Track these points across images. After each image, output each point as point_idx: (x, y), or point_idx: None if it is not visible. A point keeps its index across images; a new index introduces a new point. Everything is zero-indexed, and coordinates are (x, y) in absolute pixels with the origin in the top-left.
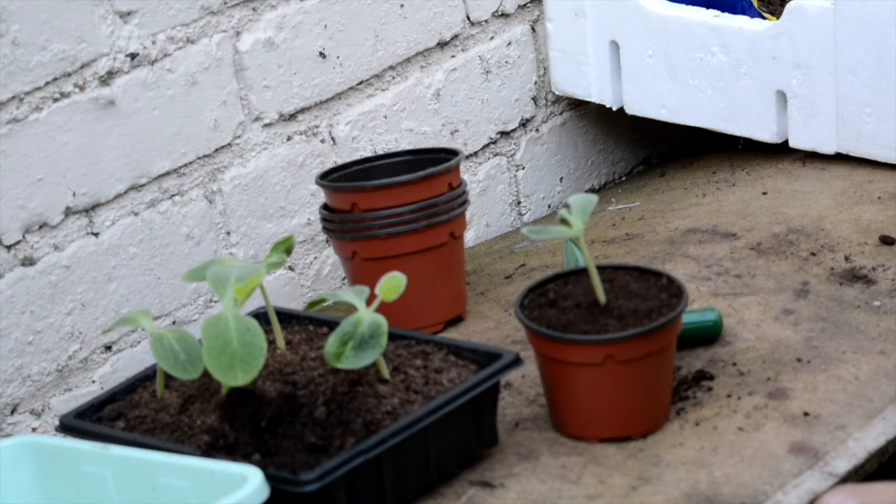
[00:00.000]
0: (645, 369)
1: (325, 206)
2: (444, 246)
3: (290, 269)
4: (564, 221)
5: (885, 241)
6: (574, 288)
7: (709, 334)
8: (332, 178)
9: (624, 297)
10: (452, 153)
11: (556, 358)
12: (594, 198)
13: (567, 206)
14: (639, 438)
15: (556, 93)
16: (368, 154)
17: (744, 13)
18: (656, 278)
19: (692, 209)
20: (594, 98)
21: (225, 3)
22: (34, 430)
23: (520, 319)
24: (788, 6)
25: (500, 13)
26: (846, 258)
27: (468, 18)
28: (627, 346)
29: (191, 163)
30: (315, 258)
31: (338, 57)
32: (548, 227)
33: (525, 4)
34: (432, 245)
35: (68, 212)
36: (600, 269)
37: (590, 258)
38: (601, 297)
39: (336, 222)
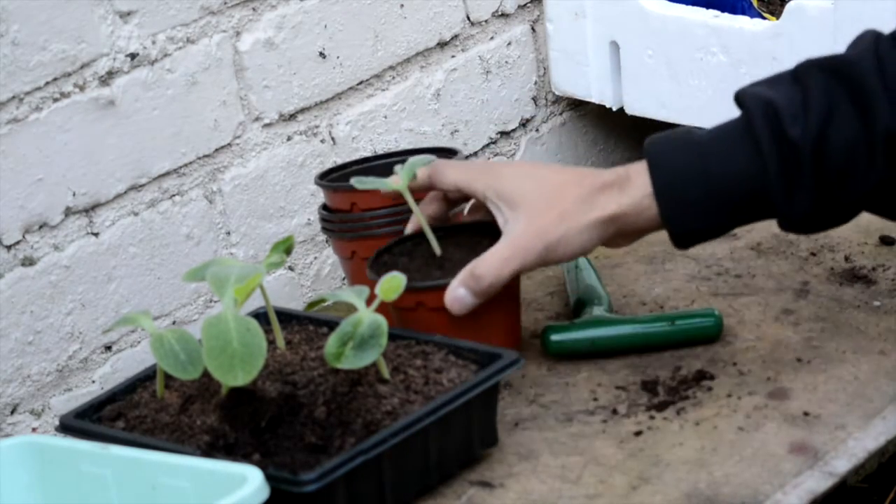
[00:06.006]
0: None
1: (325, 206)
2: None
3: (290, 269)
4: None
5: (885, 241)
6: (426, 248)
7: (709, 334)
8: (332, 178)
9: (463, 252)
10: (452, 153)
11: (398, 306)
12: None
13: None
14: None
15: (556, 93)
16: (368, 154)
17: (744, 13)
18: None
19: None
20: (594, 98)
21: (225, 3)
22: (34, 430)
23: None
24: (788, 6)
25: (500, 13)
26: (846, 258)
27: (468, 18)
28: (433, 295)
29: (191, 163)
30: (315, 258)
31: (338, 57)
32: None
33: (525, 4)
34: None
35: (68, 212)
36: (461, 226)
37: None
38: (437, 250)
39: (335, 222)
